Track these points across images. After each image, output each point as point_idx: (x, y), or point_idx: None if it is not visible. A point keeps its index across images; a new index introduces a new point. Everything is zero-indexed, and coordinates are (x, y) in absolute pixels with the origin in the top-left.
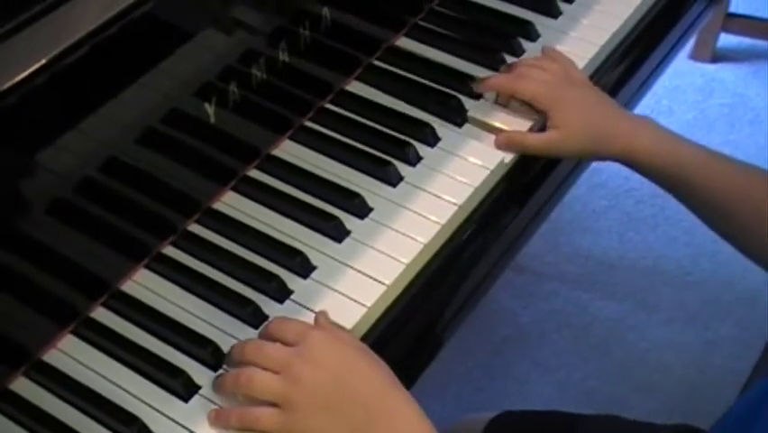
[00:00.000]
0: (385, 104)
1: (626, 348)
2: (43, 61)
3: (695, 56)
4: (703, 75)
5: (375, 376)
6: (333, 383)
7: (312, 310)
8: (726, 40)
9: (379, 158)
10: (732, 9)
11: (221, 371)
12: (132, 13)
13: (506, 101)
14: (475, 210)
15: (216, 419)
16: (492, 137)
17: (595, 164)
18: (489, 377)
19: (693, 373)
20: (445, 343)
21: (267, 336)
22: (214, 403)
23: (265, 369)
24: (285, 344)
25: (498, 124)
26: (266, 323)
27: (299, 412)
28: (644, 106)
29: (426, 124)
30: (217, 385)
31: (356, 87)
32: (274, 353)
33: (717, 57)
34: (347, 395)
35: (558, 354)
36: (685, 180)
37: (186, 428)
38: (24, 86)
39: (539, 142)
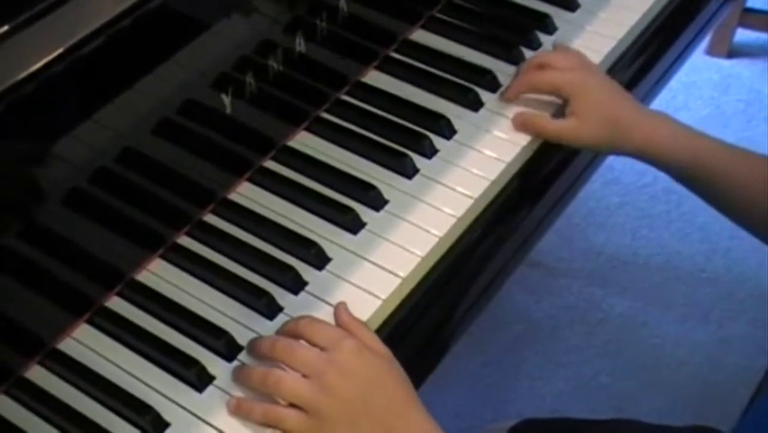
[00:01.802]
0: (401, 96)
1: (638, 345)
2: (60, 51)
3: (711, 51)
4: (719, 70)
5: (399, 393)
6: (362, 398)
7: (327, 302)
8: (743, 35)
9: (396, 150)
10: (749, 4)
11: (235, 362)
12: (149, 4)
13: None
14: (491, 204)
15: (237, 408)
16: (508, 130)
17: (608, 160)
18: (500, 373)
19: (706, 371)
20: (459, 338)
21: (295, 334)
22: (228, 394)
23: (293, 370)
24: (312, 345)
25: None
26: (291, 320)
27: (326, 421)
28: (659, 102)
29: (443, 117)
30: (241, 378)
31: (373, 78)
32: (306, 356)
33: (734, 52)
34: (370, 411)
35: (570, 351)
36: (703, 174)
37: (199, 417)
38: (41, 75)
39: (557, 128)
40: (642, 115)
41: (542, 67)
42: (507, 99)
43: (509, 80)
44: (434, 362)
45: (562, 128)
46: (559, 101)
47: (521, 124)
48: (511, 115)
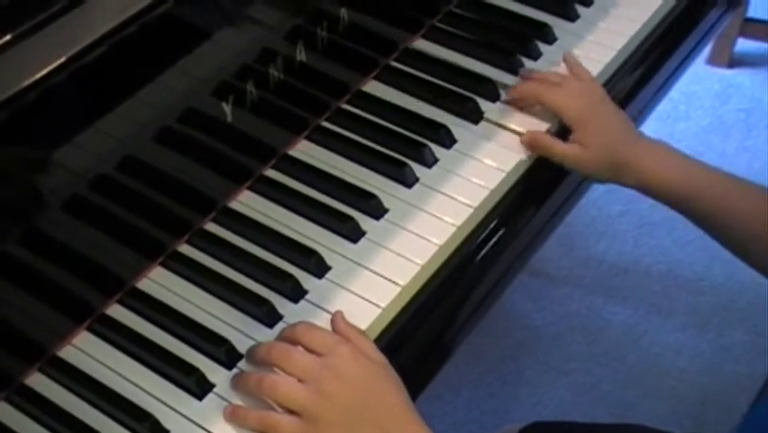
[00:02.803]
0: (401, 105)
1: (639, 353)
2: (63, 59)
3: (712, 61)
4: (720, 80)
5: (395, 399)
6: (358, 403)
7: (327, 310)
8: (744, 45)
9: (395, 159)
10: (750, 14)
11: (235, 370)
12: (151, 12)
13: (520, 103)
14: (490, 213)
15: (233, 415)
16: (508, 140)
17: None
18: (501, 381)
19: (706, 379)
20: (458, 346)
21: (291, 339)
22: (228, 402)
23: (289, 374)
24: (309, 351)
25: (514, 127)
26: (288, 326)
27: (321, 426)
28: (660, 112)
29: (442, 126)
30: (237, 383)
31: (373, 87)
32: (302, 361)
33: (735, 62)
34: (367, 416)
35: (571, 359)
36: (702, 206)
37: (199, 425)
38: (44, 83)
39: (564, 151)
40: (643, 149)
41: (554, 84)
42: (509, 98)
43: (509, 90)
44: (434, 370)
45: (568, 154)
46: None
47: (529, 142)
48: (511, 125)
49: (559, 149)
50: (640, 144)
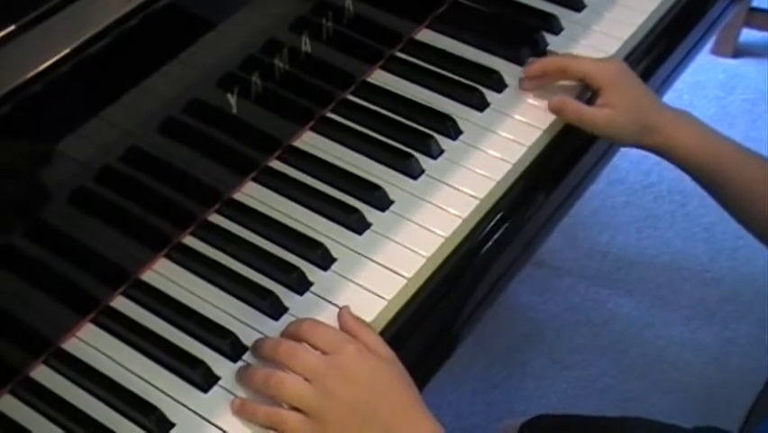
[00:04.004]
0: (407, 96)
1: (643, 346)
2: (67, 51)
3: (717, 51)
4: (725, 70)
5: (402, 395)
6: (365, 402)
7: (332, 303)
8: (749, 35)
9: (401, 150)
10: (754, 4)
11: (240, 362)
12: (155, 3)
13: (534, 85)
14: (496, 204)
15: (241, 409)
16: (514, 131)
17: (614, 160)
18: (505, 373)
19: (711, 372)
20: (464, 338)
21: (296, 336)
22: (233, 394)
23: (296, 373)
24: (315, 348)
25: (519, 118)
26: (293, 323)
27: (328, 425)
28: (664, 102)
29: (448, 117)
30: (244, 378)
31: (378, 78)
32: (309, 360)
33: (739, 52)
34: (375, 415)
35: (575, 351)
36: (718, 176)
37: (204, 418)
38: (48, 75)
39: (593, 116)
40: (669, 114)
41: (574, 56)
42: (529, 74)
43: (515, 81)
44: (439, 362)
45: (598, 117)
46: (575, 89)
47: (557, 107)
48: (517, 116)
49: (589, 114)
50: (665, 110)
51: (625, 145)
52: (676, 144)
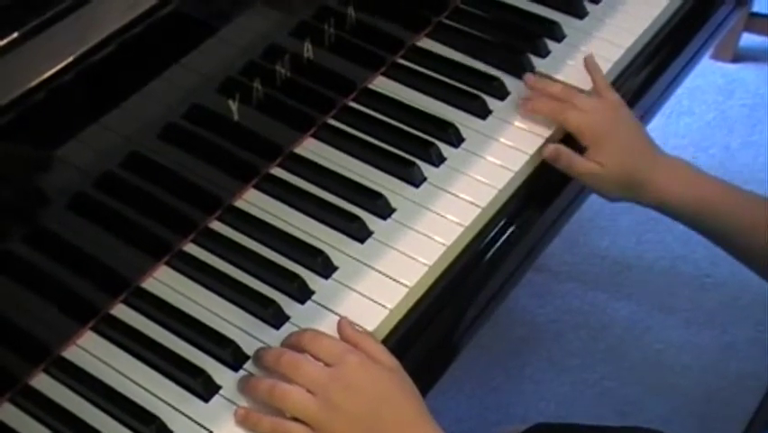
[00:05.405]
0: (409, 103)
1: (642, 350)
2: (70, 59)
3: (716, 56)
4: (724, 75)
5: (406, 405)
6: (369, 413)
7: (334, 311)
8: (748, 39)
9: (403, 158)
10: (754, 9)
11: (242, 371)
12: (158, 11)
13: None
14: (498, 212)
15: (245, 419)
16: (516, 139)
17: None
18: (504, 376)
19: (710, 376)
20: (466, 346)
21: (298, 347)
22: (234, 404)
23: (299, 384)
24: (317, 359)
25: (521, 125)
26: (294, 333)
27: None
28: (664, 107)
29: (450, 125)
30: (246, 388)
31: (380, 85)
32: (312, 372)
33: (739, 57)
34: (379, 426)
35: (574, 355)
36: (711, 219)
37: (205, 427)
38: (51, 83)
39: (582, 168)
40: (659, 167)
41: (570, 104)
42: (524, 111)
43: (517, 88)
44: (441, 370)
45: (588, 171)
46: None
47: (551, 157)
48: (518, 124)
49: (579, 166)
50: (656, 162)
51: (614, 201)
52: (669, 198)
